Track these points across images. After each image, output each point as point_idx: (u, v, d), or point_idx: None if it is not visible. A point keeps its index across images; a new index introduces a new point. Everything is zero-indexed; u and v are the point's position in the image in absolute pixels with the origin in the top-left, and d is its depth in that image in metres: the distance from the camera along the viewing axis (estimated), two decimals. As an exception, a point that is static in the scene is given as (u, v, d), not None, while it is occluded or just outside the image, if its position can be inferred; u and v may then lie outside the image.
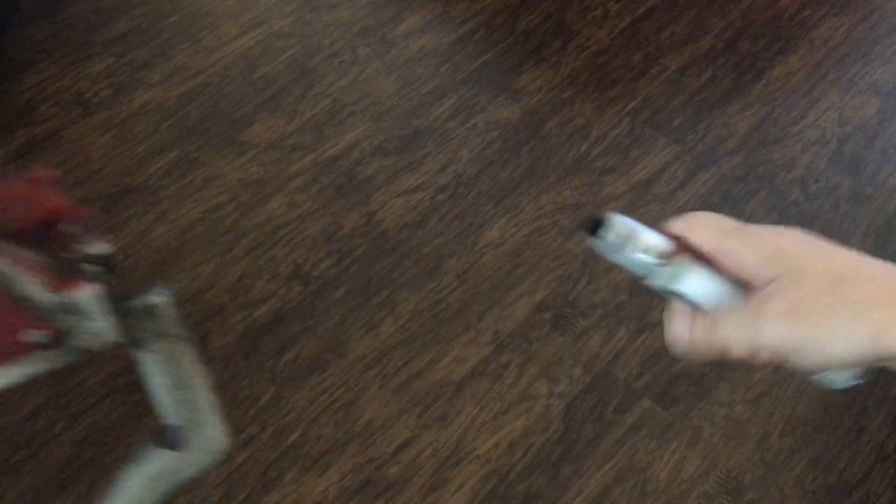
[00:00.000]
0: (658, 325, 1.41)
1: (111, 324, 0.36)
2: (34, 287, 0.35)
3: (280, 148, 1.59)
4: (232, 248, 1.47)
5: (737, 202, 1.55)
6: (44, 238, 0.36)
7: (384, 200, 1.54)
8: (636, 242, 0.47)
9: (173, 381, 0.39)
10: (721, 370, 1.37)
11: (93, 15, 1.76)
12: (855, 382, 0.48)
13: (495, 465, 1.28)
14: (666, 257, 0.47)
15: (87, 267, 0.37)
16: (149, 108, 1.63)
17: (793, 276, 0.43)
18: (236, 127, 1.61)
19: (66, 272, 0.36)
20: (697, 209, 1.53)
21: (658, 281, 0.48)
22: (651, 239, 0.48)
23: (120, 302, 0.39)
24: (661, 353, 1.39)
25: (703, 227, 0.47)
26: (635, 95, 1.69)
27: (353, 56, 1.72)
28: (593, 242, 0.48)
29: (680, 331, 0.47)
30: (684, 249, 0.48)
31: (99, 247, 0.37)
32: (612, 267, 1.47)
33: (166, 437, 0.41)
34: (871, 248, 1.51)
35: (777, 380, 1.36)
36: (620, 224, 0.47)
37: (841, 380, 0.48)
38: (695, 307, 0.48)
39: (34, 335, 0.35)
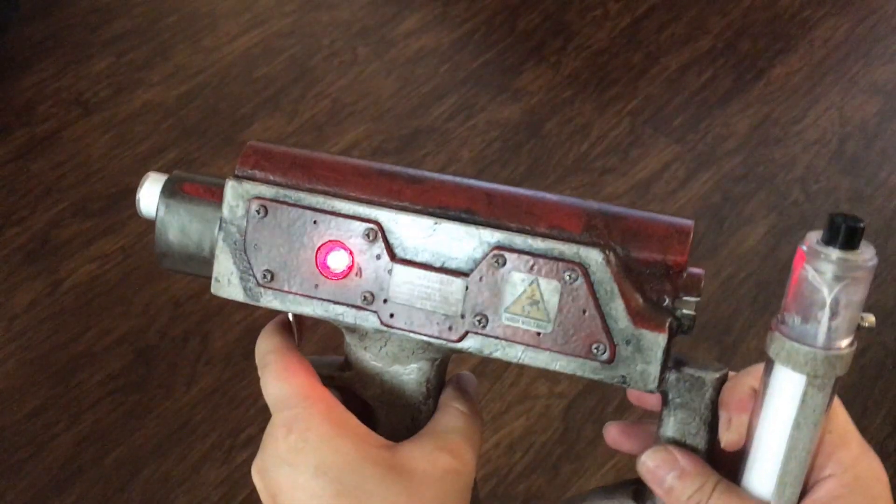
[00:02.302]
0: (658, 325, 1.41)
1: (659, 375, 0.39)
2: (621, 311, 0.39)
3: (280, 148, 1.59)
4: (232, 247, 1.47)
5: (737, 202, 1.55)
6: (655, 278, 0.40)
7: (384, 200, 1.53)
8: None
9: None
10: (721, 370, 1.37)
11: (92, 14, 1.76)
12: None
13: (495, 466, 1.28)
14: None
15: (670, 319, 0.39)
16: (149, 108, 1.63)
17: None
18: (236, 127, 1.61)
19: (651, 314, 0.39)
20: (698, 209, 1.54)
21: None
22: None
23: (676, 361, 0.41)
24: (662, 352, 1.39)
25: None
26: (635, 95, 1.69)
27: (353, 56, 1.72)
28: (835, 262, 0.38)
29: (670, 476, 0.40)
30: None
31: (689, 307, 0.40)
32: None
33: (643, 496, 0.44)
34: (872, 247, 1.51)
35: (777, 380, 1.36)
36: None
37: None
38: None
39: (600, 348, 0.39)
